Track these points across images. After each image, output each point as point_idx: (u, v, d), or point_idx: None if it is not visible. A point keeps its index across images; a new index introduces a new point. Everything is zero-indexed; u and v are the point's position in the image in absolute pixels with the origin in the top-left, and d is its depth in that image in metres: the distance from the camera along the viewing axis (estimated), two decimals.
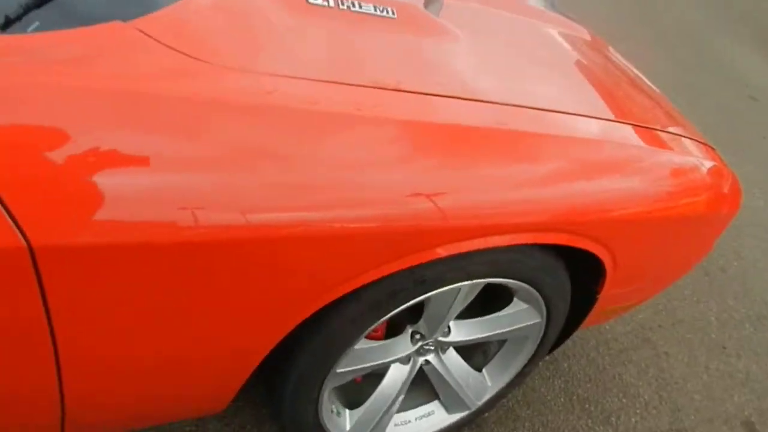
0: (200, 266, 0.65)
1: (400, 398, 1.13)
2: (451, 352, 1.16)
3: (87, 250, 0.57)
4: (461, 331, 1.11)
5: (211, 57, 0.65)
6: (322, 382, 0.94)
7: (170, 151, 0.60)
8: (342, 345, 0.90)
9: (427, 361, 1.14)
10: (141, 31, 0.63)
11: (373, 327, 0.90)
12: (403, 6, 0.95)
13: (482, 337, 1.12)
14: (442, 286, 0.90)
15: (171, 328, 0.71)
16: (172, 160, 0.60)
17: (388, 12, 0.90)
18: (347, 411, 1.12)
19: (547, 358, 1.62)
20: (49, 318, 0.60)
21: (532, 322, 1.11)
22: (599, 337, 1.73)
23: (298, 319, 0.77)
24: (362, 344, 0.96)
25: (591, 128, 1.00)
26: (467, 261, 0.88)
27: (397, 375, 1.11)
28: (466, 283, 0.93)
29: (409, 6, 0.97)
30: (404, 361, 1.11)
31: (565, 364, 1.62)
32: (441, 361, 1.14)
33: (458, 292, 0.95)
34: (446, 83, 0.88)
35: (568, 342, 1.32)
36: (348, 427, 1.11)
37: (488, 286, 1.03)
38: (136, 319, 0.67)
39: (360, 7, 0.87)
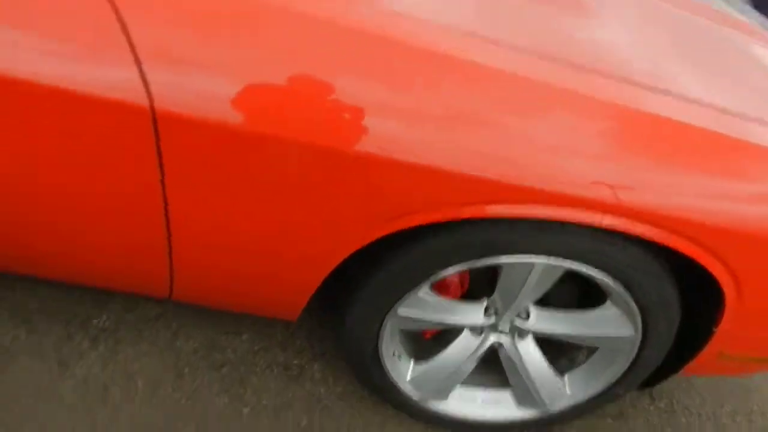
0: (302, 166, 0.76)
1: (468, 369, 1.13)
2: (530, 342, 1.11)
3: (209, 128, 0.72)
4: (541, 320, 1.06)
5: None
6: (384, 318, 1.01)
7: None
8: (405, 284, 0.95)
9: (501, 344, 1.11)
10: None
11: (437, 276, 0.93)
12: None
13: (562, 334, 1.06)
14: (512, 253, 0.89)
15: (266, 215, 0.83)
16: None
17: None
18: (412, 361, 1.16)
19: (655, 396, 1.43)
20: (163, 180, 0.78)
21: (623, 334, 1.01)
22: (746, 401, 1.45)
23: (367, 239, 0.85)
24: (427, 295, 0.99)
25: None
26: (543, 233, 0.86)
27: (466, 344, 1.11)
28: (540, 259, 0.89)
29: None
30: (476, 332, 1.11)
31: (683, 419, 1.41)
32: (515, 347, 1.11)
33: (531, 269, 0.92)
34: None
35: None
36: (408, 377, 1.15)
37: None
38: (238, 199, 0.81)
39: None
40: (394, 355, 1.12)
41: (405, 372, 1.15)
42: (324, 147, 0.74)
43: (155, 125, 0.72)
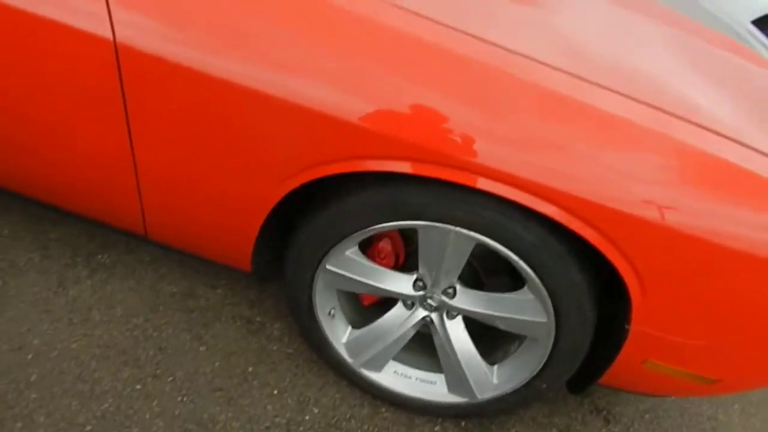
0: (244, 111, 0.89)
1: (400, 343, 1.19)
2: (459, 323, 1.15)
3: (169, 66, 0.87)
4: (465, 299, 1.10)
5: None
6: (315, 270, 1.10)
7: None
8: (328, 237, 1.04)
9: (431, 321, 1.16)
10: None
11: (361, 234, 1.01)
12: None
13: (484, 315, 1.09)
14: (420, 219, 0.96)
15: (210, 157, 0.97)
16: None
17: None
18: (349, 327, 1.23)
19: (611, 419, 1.39)
20: (126, 110, 0.94)
21: (536, 319, 1.03)
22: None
23: (289, 187, 0.96)
24: (356, 255, 1.08)
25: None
26: (447, 199, 0.92)
27: (398, 315, 1.17)
28: (449, 227, 0.95)
29: None
30: (408, 305, 1.16)
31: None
32: (444, 327, 1.15)
33: (443, 237, 0.97)
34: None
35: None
36: (344, 340, 1.23)
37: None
38: (190, 139, 0.96)
39: None
40: (329, 314, 1.20)
41: (341, 334, 1.23)
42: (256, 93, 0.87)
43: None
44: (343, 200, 0.99)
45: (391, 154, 0.87)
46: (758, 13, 2.47)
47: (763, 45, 1.44)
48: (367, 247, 1.16)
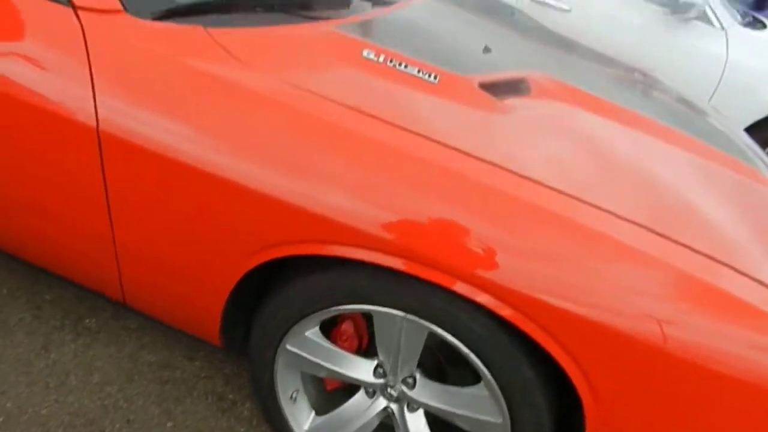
0: (202, 194, 0.95)
1: None
2: (420, 418, 1.12)
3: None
4: (424, 390, 1.07)
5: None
6: (275, 351, 1.10)
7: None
8: (286, 317, 1.05)
9: (392, 412, 1.13)
10: None
11: (314, 315, 1.03)
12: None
13: (440, 409, 1.05)
14: (376, 304, 0.96)
15: (177, 233, 1.03)
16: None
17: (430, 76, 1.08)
18: (313, 412, 1.21)
19: None
20: (106, 187, 1.01)
21: (491, 419, 0.99)
22: None
23: (248, 266, 0.99)
24: (316, 336, 1.08)
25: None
26: (399, 287, 0.93)
27: (360, 404, 1.15)
28: (399, 313, 0.95)
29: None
30: (369, 393, 1.14)
31: None
32: (404, 419, 1.11)
33: (397, 324, 0.97)
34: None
35: None
36: (306, 427, 1.20)
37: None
38: (160, 216, 1.02)
39: (405, 67, 1.08)
40: (292, 397, 1.18)
41: (303, 420, 1.20)
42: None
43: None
44: (300, 279, 1.02)
45: (351, 243, 0.90)
46: (754, 117, 2.50)
47: (763, 161, 1.45)
48: (331, 329, 1.16)
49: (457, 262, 0.86)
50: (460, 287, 0.87)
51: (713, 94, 2.72)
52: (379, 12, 1.30)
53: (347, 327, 1.14)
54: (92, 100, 0.94)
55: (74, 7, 0.95)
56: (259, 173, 0.91)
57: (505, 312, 0.87)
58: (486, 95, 1.10)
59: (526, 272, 0.85)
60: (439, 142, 0.92)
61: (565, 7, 2.83)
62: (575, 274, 0.83)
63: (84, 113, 0.95)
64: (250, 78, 0.94)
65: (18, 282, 1.57)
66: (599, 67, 1.53)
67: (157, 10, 0.99)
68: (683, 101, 1.61)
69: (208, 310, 1.12)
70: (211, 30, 0.98)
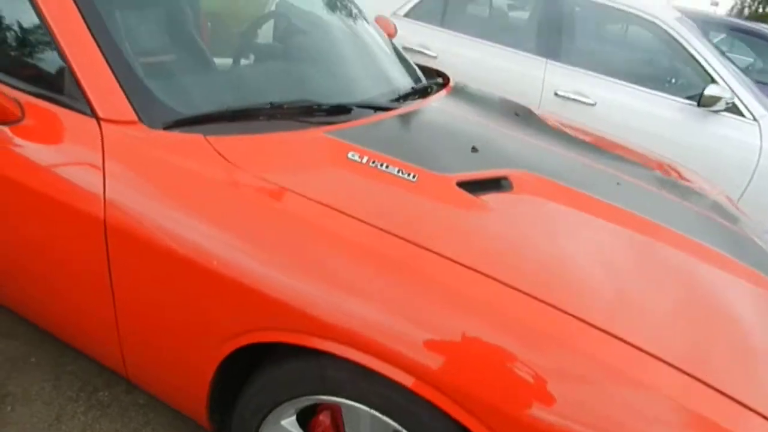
0: (186, 280, 1.05)
1: None
2: None
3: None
4: None
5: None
6: None
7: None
8: (262, 405, 1.09)
9: None
10: None
11: (287, 404, 1.06)
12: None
13: None
14: (342, 397, 0.99)
15: (167, 316, 1.11)
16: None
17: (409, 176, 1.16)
18: None
19: None
20: (110, 273, 1.13)
21: None
22: None
23: (224, 352, 1.05)
24: (291, 425, 1.11)
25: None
26: (366, 381, 0.95)
27: None
28: (364, 407, 0.97)
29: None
30: None
31: None
32: None
33: (361, 418, 0.99)
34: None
35: None
36: None
37: None
38: (153, 301, 1.12)
39: (386, 167, 1.17)
40: None
41: None
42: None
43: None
44: (272, 367, 1.06)
45: (318, 334, 0.95)
46: None
47: None
48: (310, 418, 1.18)
49: (419, 362, 0.88)
50: (420, 387, 0.89)
51: (747, 186, 2.65)
52: (375, 117, 1.41)
53: (324, 418, 1.16)
54: (102, 196, 1.08)
55: (98, 119, 1.12)
56: (233, 261, 1.00)
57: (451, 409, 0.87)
58: (463, 193, 1.16)
59: (486, 378, 0.86)
60: (404, 239, 0.97)
61: (590, 101, 2.91)
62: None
63: (95, 207, 1.09)
64: (238, 177, 1.06)
65: (46, 351, 1.70)
66: (605, 165, 1.55)
67: (168, 121, 1.14)
68: (707, 203, 1.58)
69: (195, 393, 1.18)
70: (210, 138, 1.12)
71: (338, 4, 2.11)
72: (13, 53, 1.26)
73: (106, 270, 1.12)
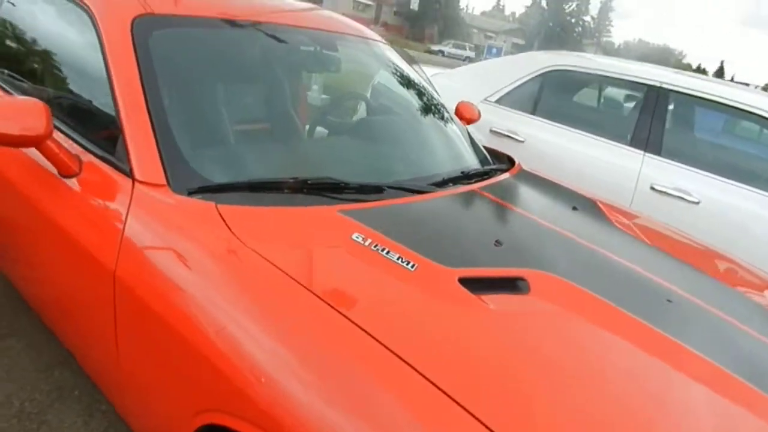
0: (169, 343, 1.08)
1: None
2: None
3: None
4: None
5: None
6: None
7: None
8: None
9: None
10: None
11: None
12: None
13: None
14: None
15: (158, 369, 1.14)
16: None
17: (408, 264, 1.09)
18: None
19: None
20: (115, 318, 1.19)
21: None
22: None
23: (193, 426, 1.04)
24: None
25: None
26: None
27: None
28: None
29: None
30: None
31: None
32: None
33: None
34: None
35: None
36: None
37: None
38: (148, 352, 1.15)
39: (386, 252, 1.12)
40: None
41: None
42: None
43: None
44: None
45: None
46: None
47: None
48: None
49: None
50: None
51: None
52: (401, 199, 1.38)
53: None
54: (117, 250, 1.17)
55: (134, 180, 1.23)
56: (212, 332, 1.00)
57: None
58: (461, 289, 1.06)
59: None
60: (368, 333, 0.91)
61: (693, 198, 2.61)
62: None
63: (107, 257, 1.17)
64: (234, 248, 1.08)
65: (89, 386, 1.82)
66: (664, 277, 1.33)
67: (192, 187, 1.22)
68: None
69: None
70: (221, 206, 1.17)
71: (414, 89, 2.17)
72: (83, 114, 1.46)
73: (113, 315, 1.19)
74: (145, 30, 1.42)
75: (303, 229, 1.19)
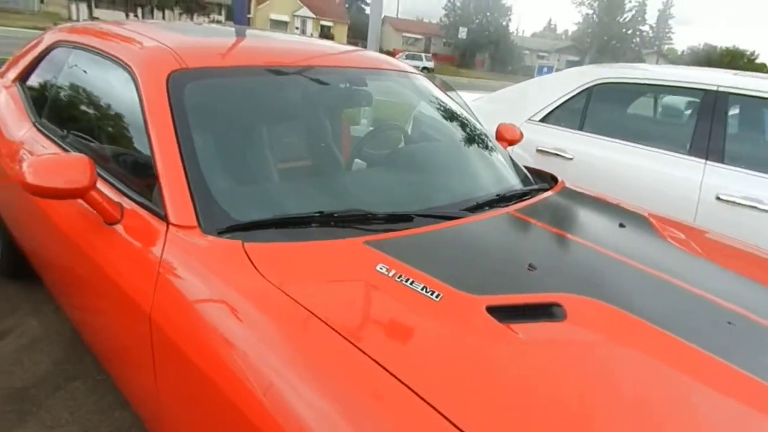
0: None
1: None
2: None
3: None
4: None
5: None
6: None
7: None
8: None
9: None
10: None
11: None
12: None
13: None
14: None
15: (192, 409, 1.14)
16: None
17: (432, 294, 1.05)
18: None
19: None
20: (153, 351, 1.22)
21: None
22: None
23: None
24: None
25: None
26: None
27: None
28: None
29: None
30: None
31: None
32: None
33: None
34: None
35: None
36: None
37: None
38: (183, 393, 1.17)
39: (411, 283, 1.08)
40: None
41: None
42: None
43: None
44: None
45: None
46: None
47: None
48: None
49: None
50: None
51: None
52: (429, 227, 1.35)
53: None
54: (153, 292, 1.21)
55: (168, 223, 1.28)
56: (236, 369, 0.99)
57: None
58: (489, 319, 1.01)
59: None
60: (384, 366, 0.87)
61: (766, 206, 2.39)
62: None
63: (144, 299, 1.21)
64: (257, 287, 1.09)
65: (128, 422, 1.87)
66: (724, 297, 1.20)
67: (221, 227, 1.25)
68: None
69: None
70: (247, 245, 1.18)
71: (450, 116, 2.16)
72: (127, 165, 1.55)
73: (151, 358, 1.22)
74: (179, 84, 1.50)
75: (327, 262, 1.19)
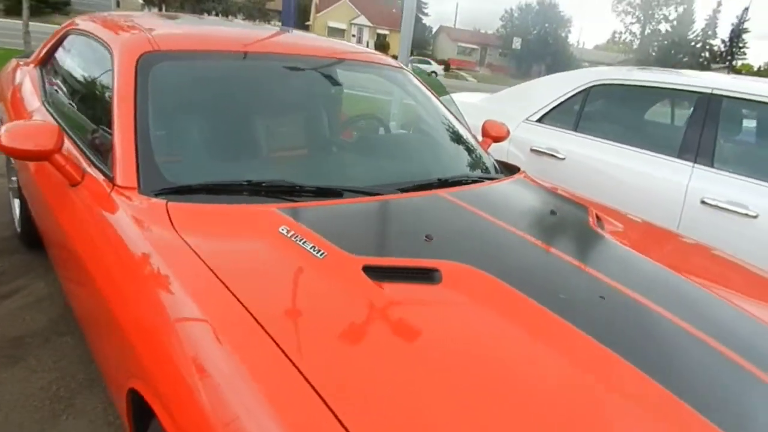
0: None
1: None
2: None
3: None
4: None
5: None
6: None
7: None
8: None
9: None
10: None
11: None
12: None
13: None
14: None
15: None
16: None
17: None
18: None
19: None
20: None
21: None
22: None
23: None
24: None
25: None
26: None
27: None
28: None
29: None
30: None
31: None
32: None
33: None
34: None
35: None
36: None
37: None
38: None
39: (303, 242, 1.18)
40: None
41: None
42: None
43: None
44: None
45: None
46: None
47: None
48: None
49: None
50: None
51: None
52: (349, 200, 1.45)
53: None
54: (95, 246, 1.36)
55: (114, 185, 1.44)
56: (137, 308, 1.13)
57: None
58: (363, 276, 1.09)
59: None
60: (253, 315, 0.96)
61: (751, 212, 2.31)
62: None
63: (90, 255, 1.37)
64: (169, 241, 1.22)
65: None
66: (614, 277, 1.23)
67: (157, 189, 1.39)
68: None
69: None
70: (170, 204, 1.32)
71: (423, 108, 2.24)
72: (94, 135, 1.72)
73: (98, 311, 1.38)
74: (148, 63, 1.67)
75: (237, 222, 1.31)
